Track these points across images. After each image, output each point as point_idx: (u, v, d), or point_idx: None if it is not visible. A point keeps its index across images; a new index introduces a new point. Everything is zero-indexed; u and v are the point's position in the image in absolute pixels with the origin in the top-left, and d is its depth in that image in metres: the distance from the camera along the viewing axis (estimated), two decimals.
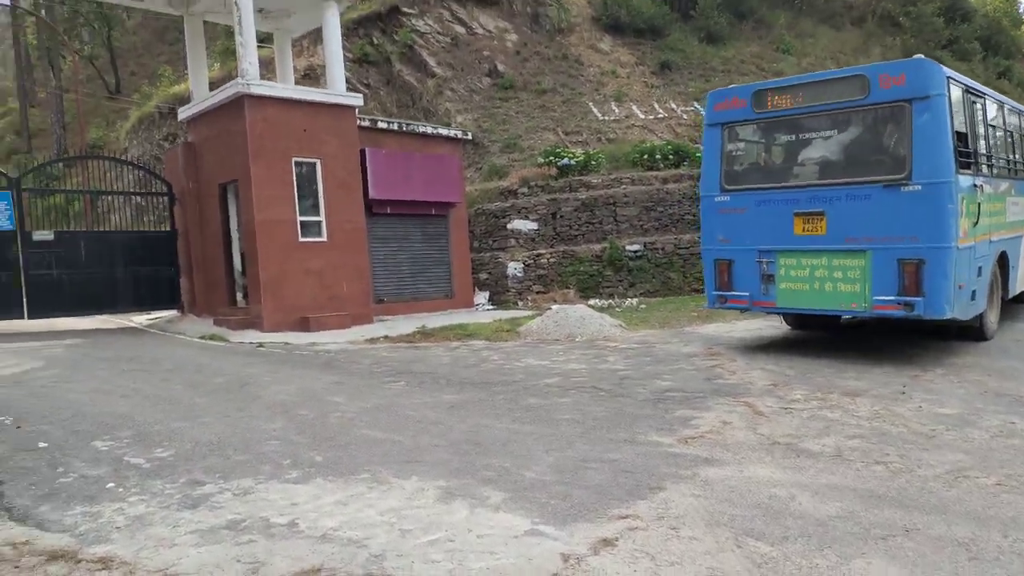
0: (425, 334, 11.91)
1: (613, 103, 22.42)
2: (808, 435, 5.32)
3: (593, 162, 17.93)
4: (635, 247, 16.71)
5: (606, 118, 21.73)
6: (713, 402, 6.46)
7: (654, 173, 18.15)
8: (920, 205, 7.52)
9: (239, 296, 13.87)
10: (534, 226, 16.57)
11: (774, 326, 11.47)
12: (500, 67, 22.74)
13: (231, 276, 13.81)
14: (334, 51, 13.47)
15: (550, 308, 15.16)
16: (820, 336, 10.27)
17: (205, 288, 14.30)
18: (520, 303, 16.01)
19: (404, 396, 7.04)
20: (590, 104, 22.16)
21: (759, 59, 26.18)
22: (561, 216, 16.78)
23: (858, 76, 7.88)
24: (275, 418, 6.19)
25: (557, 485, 4.32)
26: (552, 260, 16.26)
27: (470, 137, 16.57)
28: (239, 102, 12.39)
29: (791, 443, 5.15)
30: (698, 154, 19.17)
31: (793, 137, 8.48)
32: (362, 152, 13.70)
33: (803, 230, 8.35)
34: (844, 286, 8.12)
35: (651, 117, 22.26)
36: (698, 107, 23.40)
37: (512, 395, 6.97)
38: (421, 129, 14.88)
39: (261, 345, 11.30)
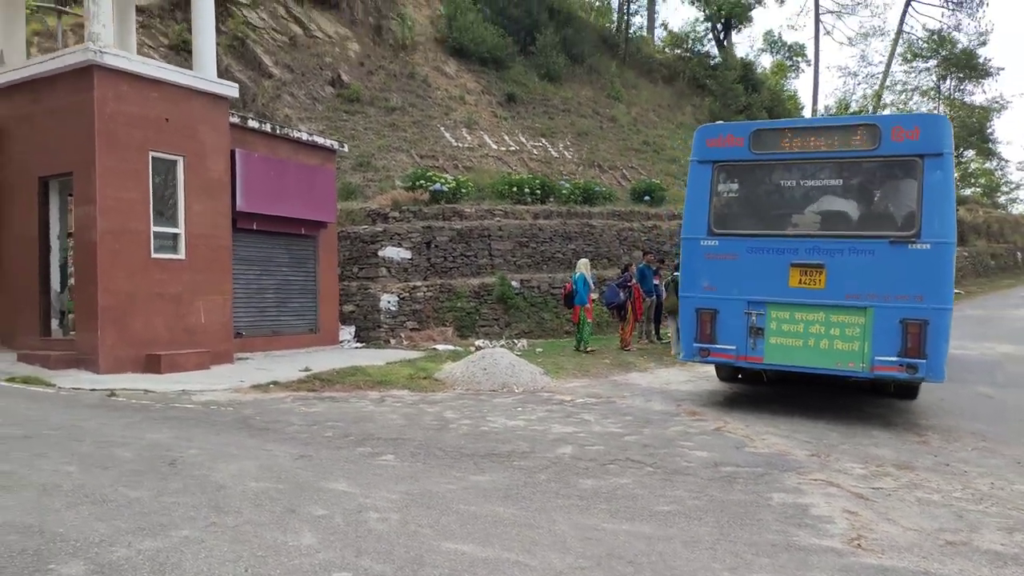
0: (321, 380, 9.90)
1: (464, 130, 21.44)
2: (959, 528, 4.75)
3: (463, 189, 16.75)
4: (513, 284, 15.73)
5: (460, 144, 20.67)
6: (789, 481, 5.72)
7: (524, 207, 17.39)
8: (927, 264, 7.40)
9: (54, 324, 10.65)
10: (408, 255, 14.95)
11: (702, 376, 11.07)
12: (344, 77, 20.80)
13: (46, 297, 10.53)
14: (205, 26, 10.82)
15: (434, 349, 13.63)
16: (758, 391, 9.96)
17: (1, 311, 10.80)
18: (392, 341, 14.25)
19: (421, 479, 5.36)
20: (441, 128, 20.98)
21: (594, 102, 26.79)
22: (436, 246, 15.34)
23: (869, 125, 7.67)
24: (290, 525, 4.25)
25: None
26: (429, 294, 14.73)
27: (346, 149, 14.60)
28: (85, 73, 9.43)
29: (963, 541, 4.53)
30: (563, 191, 18.82)
31: (793, 183, 8.06)
32: (232, 154, 11.26)
33: (799, 282, 7.93)
34: (841, 344, 7.80)
35: (503, 148, 21.60)
36: (546, 143, 23.20)
37: (552, 475, 5.63)
38: (295, 134, 12.69)
39: (112, 394, 8.58)
